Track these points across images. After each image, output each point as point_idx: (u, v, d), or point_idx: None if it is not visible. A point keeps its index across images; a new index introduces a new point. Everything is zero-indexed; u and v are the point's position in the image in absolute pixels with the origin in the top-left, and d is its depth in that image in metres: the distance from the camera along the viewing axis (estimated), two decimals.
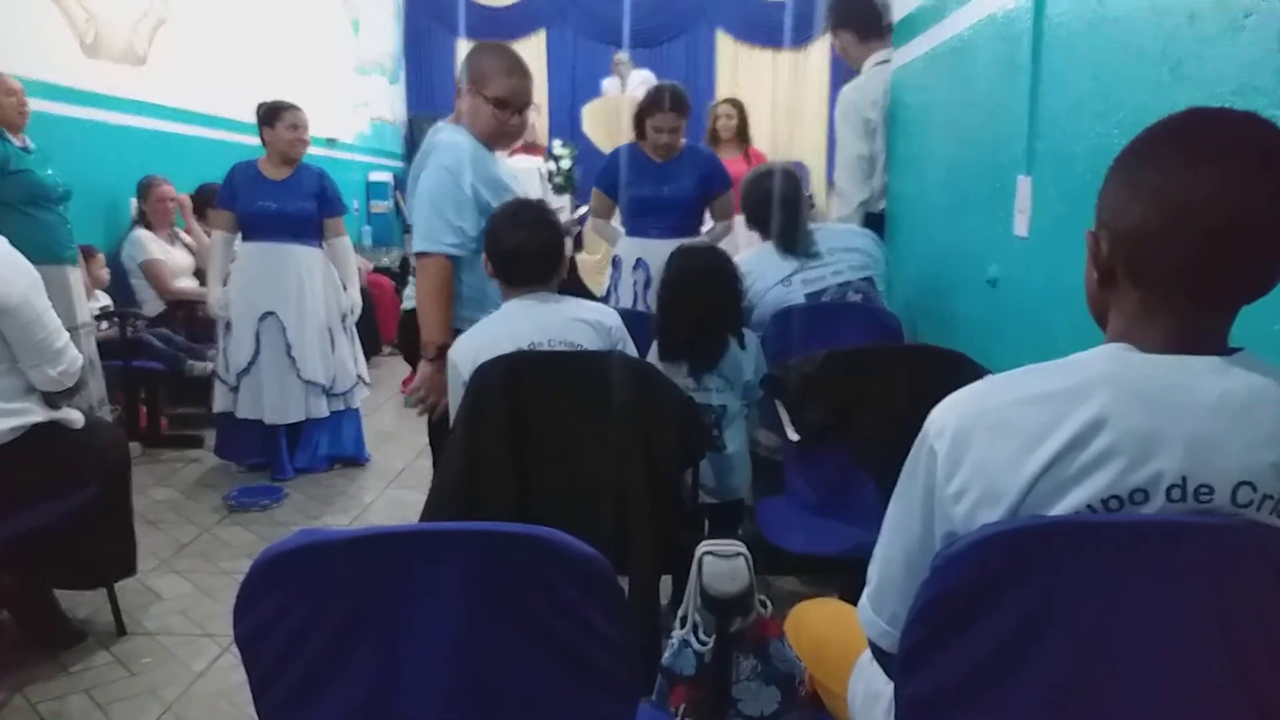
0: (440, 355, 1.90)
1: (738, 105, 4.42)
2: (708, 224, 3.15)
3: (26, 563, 2.02)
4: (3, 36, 3.38)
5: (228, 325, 3.30)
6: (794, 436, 1.86)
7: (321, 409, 3.36)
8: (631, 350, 1.84)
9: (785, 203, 2.35)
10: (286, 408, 3.28)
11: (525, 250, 1.75)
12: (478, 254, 1.92)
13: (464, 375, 1.72)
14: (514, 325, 1.73)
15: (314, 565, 0.85)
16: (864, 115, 2.88)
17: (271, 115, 3.26)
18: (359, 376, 3.52)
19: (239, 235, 3.31)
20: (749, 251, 2.60)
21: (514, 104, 2.02)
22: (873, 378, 1.80)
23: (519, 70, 2.04)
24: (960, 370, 1.79)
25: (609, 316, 1.83)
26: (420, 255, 1.96)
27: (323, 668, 0.86)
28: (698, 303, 1.98)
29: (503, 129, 2.04)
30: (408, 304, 2.12)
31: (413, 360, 2.07)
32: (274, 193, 3.24)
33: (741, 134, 4.39)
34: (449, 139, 1.99)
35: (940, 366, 1.78)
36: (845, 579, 1.81)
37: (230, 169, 3.32)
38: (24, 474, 1.85)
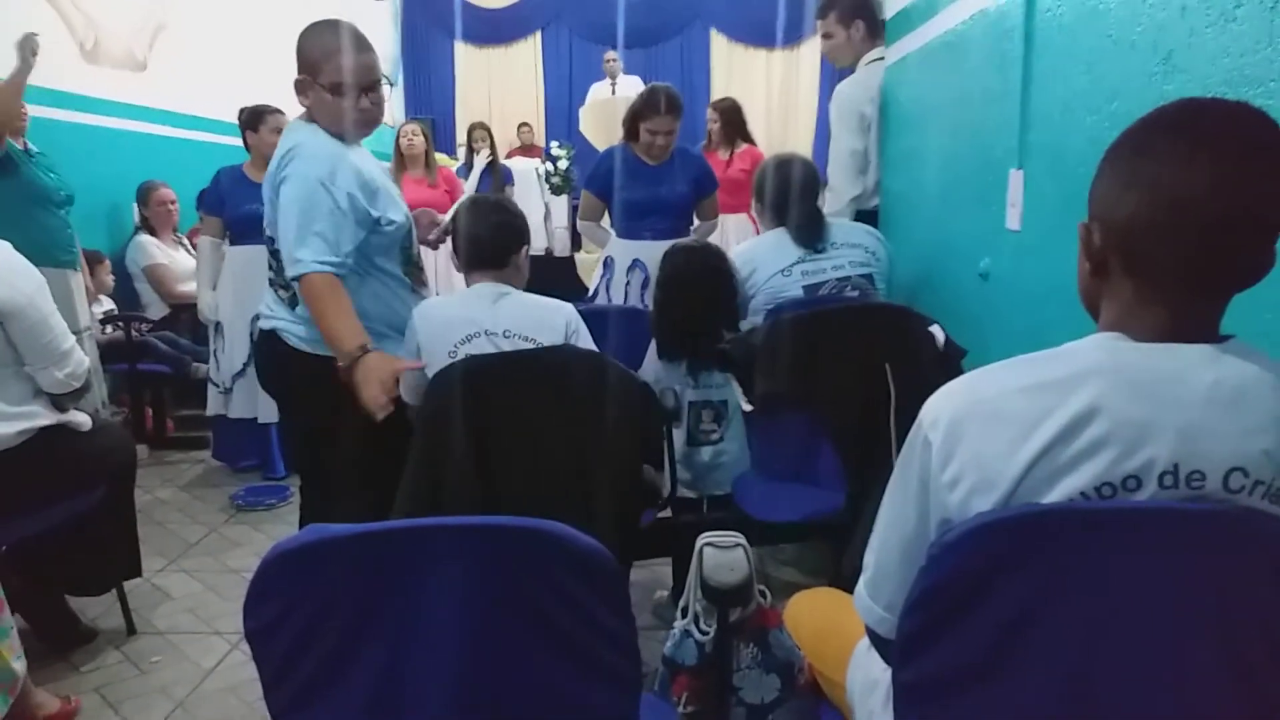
0: (366, 352, 1.66)
1: (718, 108, 4.40)
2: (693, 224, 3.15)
3: (36, 565, 2.04)
4: (1, 42, 3.39)
5: (219, 329, 3.31)
6: (747, 407, 1.86)
7: None
8: (585, 342, 1.81)
9: (803, 191, 2.33)
10: (273, 406, 3.30)
11: (484, 235, 1.77)
12: (360, 273, 1.78)
13: (416, 342, 1.73)
14: (480, 311, 1.73)
15: (322, 561, 0.86)
16: (860, 110, 2.87)
17: (255, 119, 3.25)
18: None
19: (226, 240, 3.30)
20: (750, 240, 2.60)
21: (353, 85, 1.75)
22: (820, 340, 1.79)
23: (352, 45, 1.76)
24: (904, 323, 1.81)
25: (565, 311, 1.80)
26: (300, 279, 1.69)
27: (332, 661, 0.88)
28: (694, 302, 1.98)
29: (352, 116, 1.77)
30: (269, 324, 1.82)
31: (296, 396, 1.84)
32: (261, 196, 3.23)
33: (728, 135, 4.37)
34: (309, 141, 1.76)
35: (884, 320, 1.78)
36: (834, 571, 1.82)
37: (215, 175, 3.31)
38: (32, 477, 1.86)
